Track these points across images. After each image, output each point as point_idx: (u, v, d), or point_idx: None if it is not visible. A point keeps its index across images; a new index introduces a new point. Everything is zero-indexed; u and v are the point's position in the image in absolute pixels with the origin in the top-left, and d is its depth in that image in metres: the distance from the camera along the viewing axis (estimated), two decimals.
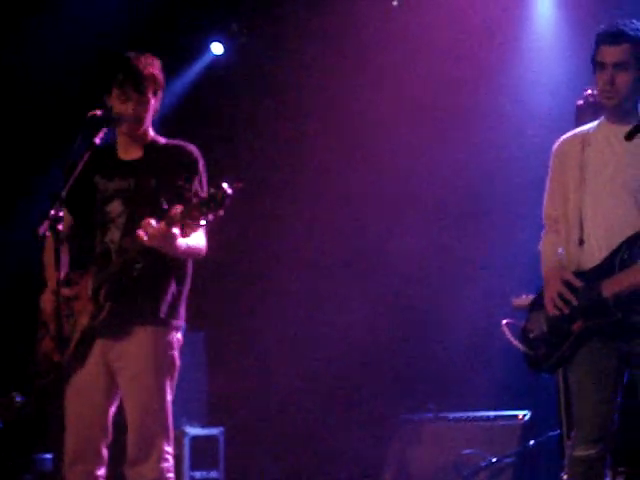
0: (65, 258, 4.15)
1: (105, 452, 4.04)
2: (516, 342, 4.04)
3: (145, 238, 3.79)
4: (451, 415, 5.98)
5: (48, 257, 4.13)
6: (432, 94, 6.66)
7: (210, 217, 3.64)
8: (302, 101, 7.15)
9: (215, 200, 3.61)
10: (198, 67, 7.39)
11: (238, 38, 7.43)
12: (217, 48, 7.44)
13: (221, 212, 3.64)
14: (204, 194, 3.66)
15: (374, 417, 6.63)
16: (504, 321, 4.20)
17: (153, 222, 3.79)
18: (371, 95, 6.87)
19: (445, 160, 6.70)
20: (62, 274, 4.06)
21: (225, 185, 3.63)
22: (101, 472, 4.04)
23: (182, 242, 3.89)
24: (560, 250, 3.88)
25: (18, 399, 5.25)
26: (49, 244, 3.99)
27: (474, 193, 6.72)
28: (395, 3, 6.95)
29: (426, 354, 6.63)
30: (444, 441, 5.84)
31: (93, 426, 4.01)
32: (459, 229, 6.72)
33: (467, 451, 5.70)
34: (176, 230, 3.77)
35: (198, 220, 3.66)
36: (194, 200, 3.65)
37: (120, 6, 6.71)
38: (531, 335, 3.92)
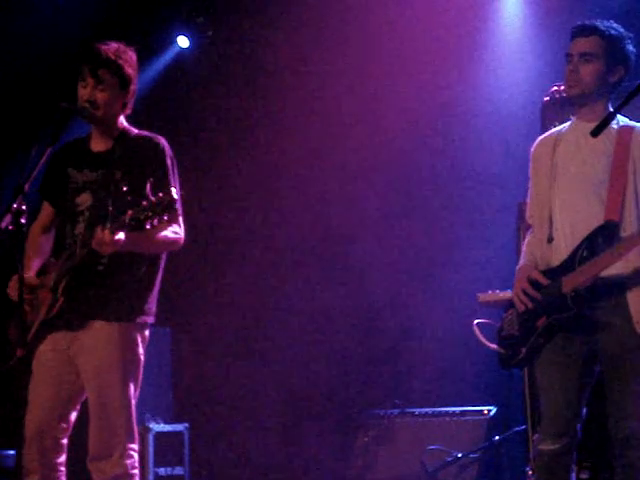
0: (46, 247, 4.18)
1: (64, 442, 4.00)
2: (486, 341, 4.09)
3: (93, 244, 3.79)
4: (417, 410, 5.99)
5: (27, 246, 4.12)
6: (401, 92, 6.67)
7: (155, 222, 3.65)
8: (269, 94, 7.13)
9: (161, 205, 3.63)
10: (164, 60, 7.36)
11: (204, 31, 7.40)
12: (183, 41, 7.41)
13: (165, 217, 3.64)
14: (152, 198, 3.65)
15: (340, 412, 6.63)
16: (475, 321, 4.23)
17: (99, 230, 3.75)
18: (338, 87, 6.86)
19: (417, 156, 6.71)
20: (39, 263, 4.09)
21: (173, 191, 3.66)
22: (60, 460, 4.01)
23: (142, 239, 3.86)
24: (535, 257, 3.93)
25: None
26: (31, 233, 4.08)
27: (445, 189, 6.73)
28: None
29: (392, 350, 6.64)
30: (410, 437, 5.85)
31: (52, 415, 3.97)
32: (425, 226, 6.72)
33: (433, 446, 5.71)
34: (121, 235, 3.74)
35: (144, 223, 3.65)
36: (143, 203, 3.65)
37: None
38: (503, 333, 3.96)
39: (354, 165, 6.88)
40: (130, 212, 3.68)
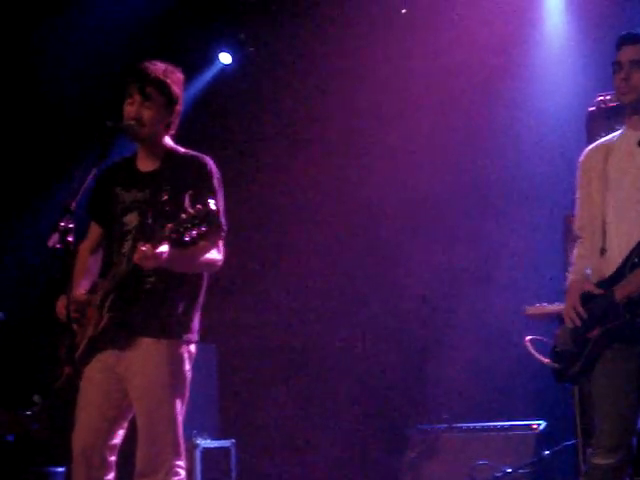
0: (95, 267, 4.21)
1: (112, 459, 4.01)
2: (540, 357, 4.05)
3: (136, 260, 3.81)
4: (465, 425, 5.94)
5: (76, 266, 4.16)
6: (441, 102, 6.64)
7: (194, 233, 3.67)
8: (310, 108, 7.14)
9: (199, 217, 3.65)
10: (207, 77, 7.40)
11: (246, 47, 7.43)
12: (225, 58, 7.45)
13: (203, 228, 3.66)
14: (191, 211, 3.68)
15: (388, 428, 6.59)
16: (527, 338, 4.20)
17: (141, 246, 3.78)
18: (379, 103, 6.85)
19: (456, 169, 6.68)
20: (88, 282, 4.12)
21: (211, 202, 3.68)
22: (109, 477, 4.02)
23: (184, 257, 3.88)
24: (588, 270, 3.90)
25: (38, 402, 5.24)
26: (80, 253, 4.13)
27: (486, 201, 6.69)
28: (404, 11, 6.94)
29: (440, 364, 6.58)
30: (458, 452, 5.80)
31: (99, 433, 3.98)
32: (469, 240, 6.68)
33: (481, 462, 5.65)
34: (164, 247, 3.75)
35: (183, 236, 3.67)
36: (181, 216, 3.67)
37: (130, 17, 6.72)
38: (557, 349, 3.93)
39: (399, 176, 6.85)
40: (170, 225, 3.70)
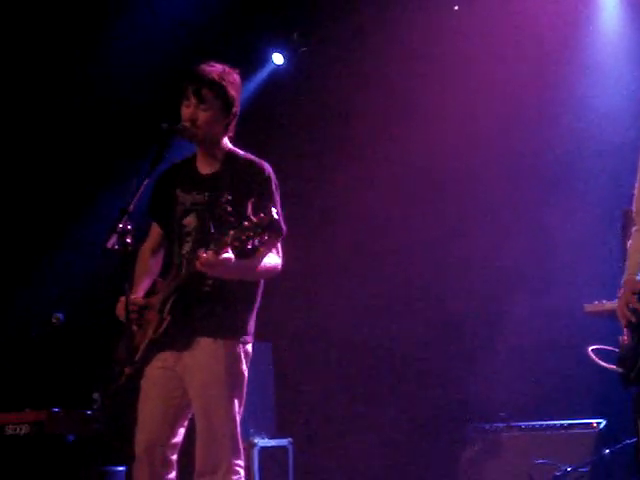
0: (155, 267, 4.26)
1: (174, 458, 4.05)
2: (604, 364, 4.01)
3: (197, 266, 3.83)
4: (524, 424, 5.88)
5: (137, 267, 4.20)
6: (500, 94, 6.59)
7: (257, 242, 3.69)
8: (364, 109, 7.12)
9: (262, 225, 3.67)
10: (260, 78, 7.42)
11: (298, 47, 7.44)
12: (278, 58, 7.46)
13: (266, 237, 3.67)
14: (254, 219, 3.69)
15: (446, 427, 6.55)
16: (590, 348, 4.15)
17: (203, 252, 3.80)
18: (434, 104, 6.80)
19: (515, 162, 6.62)
20: (148, 283, 4.17)
21: (274, 211, 3.69)
22: (170, 476, 4.06)
23: (244, 265, 3.89)
24: None
25: (97, 400, 5.30)
26: (140, 254, 4.17)
27: (545, 195, 6.61)
28: (456, 8, 6.90)
29: (499, 362, 6.53)
30: (517, 450, 5.76)
31: (160, 432, 4.02)
32: (528, 234, 6.62)
33: (541, 461, 5.60)
34: (227, 255, 3.77)
35: (245, 244, 3.68)
36: (245, 224, 3.69)
37: (183, 19, 6.77)
38: (622, 351, 3.88)
39: (458, 168, 6.80)
40: (232, 232, 3.72)
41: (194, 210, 4.09)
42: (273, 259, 4.03)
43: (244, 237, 3.69)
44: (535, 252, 6.56)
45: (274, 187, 4.09)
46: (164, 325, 3.99)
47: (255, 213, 3.75)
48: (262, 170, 4.09)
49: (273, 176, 4.11)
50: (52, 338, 5.75)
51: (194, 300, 3.99)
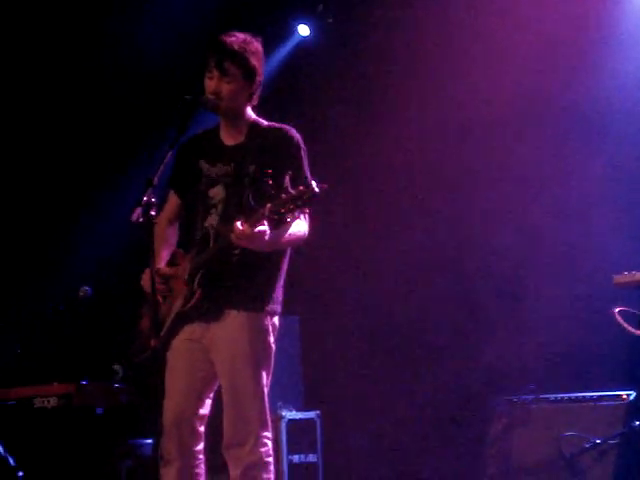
0: (173, 238, 4.26)
1: (201, 429, 4.06)
2: (629, 327, 3.96)
3: (233, 239, 3.81)
4: (553, 396, 5.85)
5: (154, 237, 4.18)
6: (525, 88, 6.50)
7: (296, 214, 3.65)
8: (392, 80, 7.05)
9: (302, 199, 3.63)
10: (285, 50, 7.38)
11: (324, 19, 7.38)
12: (304, 30, 7.41)
13: (307, 210, 3.63)
14: (292, 191, 3.65)
15: (474, 400, 6.53)
16: (616, 309, 4.10)
17: (239, 224, 3.77)
18: (466, 77, 6.72)
19: (541, 123, 6.53)
20: (167, 254, 4.15)
21: (314, 184, 3.64)
22: (198, 447, 4.07)
23: (277, 236, 3.87)
24: None
25: (119, 371, 5.33)
26: (157, 225, 4.10)
27: (573, 165, 6.53)
28: None
29: (527, 334, 6.49)
30: (546, 423, 5.71)
31: (188, 404, 4.03)
32: (554, 206, 6.55)
33: (570, 433, 5.57)
34: (263, 227, 3.74)
35: (284, 217, 3.65)
36: (282, 197, 3.65)
37: None
38: None
39: (491, 147, 6.73)
40: (269, 205, 3.68)
41: (220, 182, 4.07)
42: (302, 226, 4.00)
43: (283, 210, 3.66)
44: (564, 218, 6.48)
45: (303, 153, 4.06)
46: (195, 298, 3.98)
47: (293, 184, 3.71)
48: (291, 137, 4.07)
49: (301, 141, 4.09)
50: (79, 311, 5.78)
51: (222, 272, 3.98)
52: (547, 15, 6.44)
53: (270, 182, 3.72)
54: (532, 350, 6.42)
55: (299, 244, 4.06)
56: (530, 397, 5.90)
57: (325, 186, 3.65)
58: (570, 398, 5.79)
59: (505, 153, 6.64)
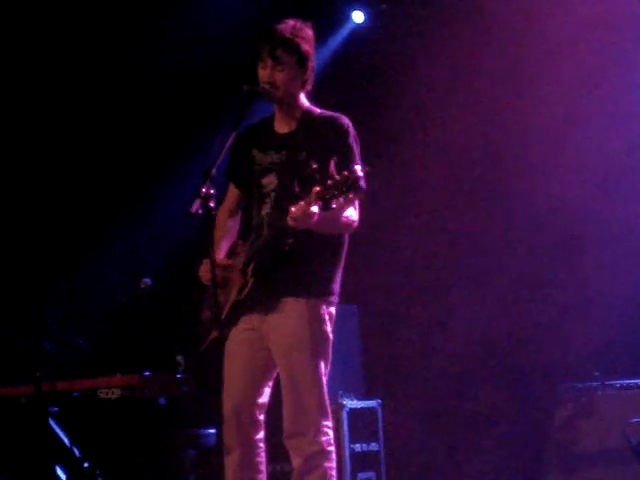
0: (234, 229, 4.28)
1: (261, 418, 4.07)
2: None
3: (289, 221, 3.81)
4: (618, 382, 5.78)
5: (215, 229, 4.20)
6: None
7: (341, 200, 3.64)
8: (448, 67, 6.98)
9: (346, 184, 3.62)
10: (340, 37, 7.35)
11: (379, 5, 7.33)
12: (358, 16, 7.37)
13: (351, 195, 3.62)
14: (337, 177, 3.65)
15: (539, 386, 6.47)
16: None
17: (293, 207, 3.78)
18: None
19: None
20: (227, 244, 4.18)
21: (358, 168, 3.63)
22: (258, 436, 4.08)
23: (328, 218, 3.86)
24: None
25: (181, 362, 5.37)
26: (218, 216, 4.15)
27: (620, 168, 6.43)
28: None
29: (591, 320, 6.41)
30: (611, 409, 5.67)
31: (247, 393, 4.05)
32: (611, 197, 6.44)
33: (636, 419, 5.49)
34: (315, 208, 3.73)
35: (329, 202, 3.65)
36: (328, 182, 3.65)
37: None
38: None
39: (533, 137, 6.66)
40: (316, 189, 3.68)
41: (272, 170, 4.08)
42: (351, 213, 3.99)
43: (328, 196, 3.67)
44: (623, 213, 6.39)
45: (353, 140, 4.05)
46: (248, 287, 4.00)
47: (338, 171, 3.71)
48: (341, 125, 4.06)
49: (352, 129, 4.07)
50: (141, 303, 5.82)
51: (276, 261, 3.99)
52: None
53: (314, 167, 3.73)
54: (598, 336, 6.34)
55: (349, 231, 4.05)
56: (595, 384, 5.83)
57: (367, 168, 3.66)
58: (636, 384, 5.73)
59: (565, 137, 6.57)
